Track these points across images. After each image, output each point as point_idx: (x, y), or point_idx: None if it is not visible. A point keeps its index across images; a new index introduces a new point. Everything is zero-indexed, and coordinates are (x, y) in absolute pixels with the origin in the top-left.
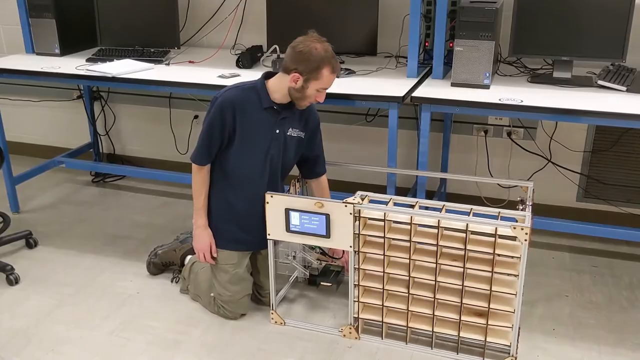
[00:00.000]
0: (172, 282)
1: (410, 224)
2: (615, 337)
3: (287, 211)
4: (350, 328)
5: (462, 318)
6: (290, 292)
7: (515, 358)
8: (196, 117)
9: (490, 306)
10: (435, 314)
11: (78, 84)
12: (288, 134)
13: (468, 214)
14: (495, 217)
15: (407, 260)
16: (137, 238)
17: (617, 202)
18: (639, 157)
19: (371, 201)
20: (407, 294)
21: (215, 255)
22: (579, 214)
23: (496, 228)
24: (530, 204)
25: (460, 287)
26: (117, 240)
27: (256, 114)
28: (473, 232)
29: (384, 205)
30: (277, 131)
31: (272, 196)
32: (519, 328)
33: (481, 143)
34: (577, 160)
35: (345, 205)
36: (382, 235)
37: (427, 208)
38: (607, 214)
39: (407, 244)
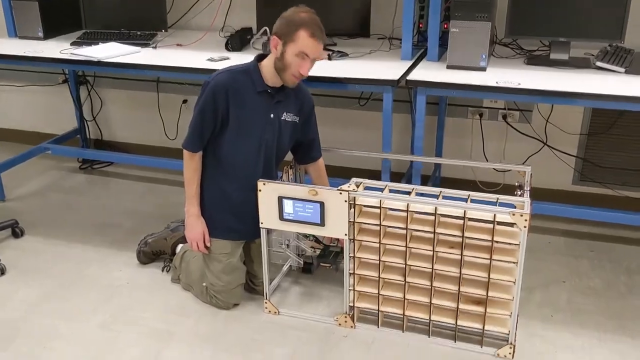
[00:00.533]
0: (163, 271)
1: (406, 211)
2: (614, 323)
3: (280, 199)
4: (345, 317)
5: (460, 306)
6: (284, 281)
7: (514, 346)
8: (185, 101)
9: (489, 294)
10: (432, 302)
11: (63, 68)
12: (282, 118)
13: (466, 200)
14: (493, 204)
15: (404, 248)
16: (127, 226)
17: (613, 185)
18: (636, 140)
19: (366, 188)
20: (403, 282)
21: (208, 244)
22: (574, 197)
23: (495, 215)
24: (529, 189)
25: (458, 274)
26: (105, 229)
27: (250, 98)
28: (471, 219)
29: (380, 193)
30: (272, 116)
31: (264, 184)
32: (517, 315)
33: (476, 126)
34: (573, 143)
35: (340, 193)
36: (378, 223)
37: (423, 195)
38: (603, 197)
39: (404, 231)
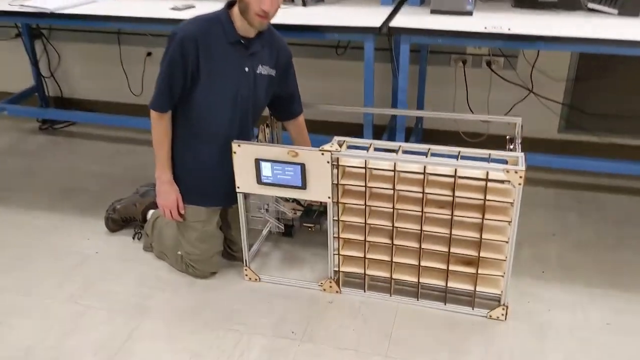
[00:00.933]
0: (134, 239)
1: (393, 171)
2: (605, 278)
3: (258, 162)
4: (330, 282)
5: (450, 267)
6: (264, 245)
7: (507, 307)
8: (149, 54)
9: (480, 254)
10: (421, 264)
11: (13, 21)
12: (258, 72)
13: (456, 157)
14: (485, 160)
15: (391, 210)
16: (93, 191)
17: (599, 133)
18: (624, 84)
19: (350, 147)
20: (390, 245)
21: (182, 212)
22: (560, 145)
23: (487, 173)
24: (520, 141)
25: (448, 235)
26: (70, 194)
27: (222, 49)
28: (461, 177)
29: (365, 152)
30: (246, 69)
31: (239, 145)
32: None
33: (460, 74)
34: (559, 90)
35: (322, 154)
36: (363, 185)
37: (411, 153)
38: (590, 144)
39: (390, 192)
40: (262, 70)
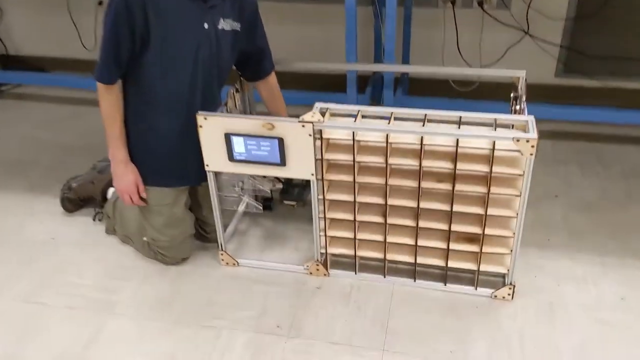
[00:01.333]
0: (94, 220)
1: (385, 143)
2: (617, 243)
3: (228, 136)
4: (317, 264)
5: (451, 246)
6: (242, 222)
7: (514, 286)
8: (100, 3)
9: (485, 231)
10: (418, 243)
11: None
12: (220, 27)
13: (457, 124)
14: (489, 125)
15: (383, 185)
16: (45, 164)
17: (600, 77)
18: (628, 23)
19: (333, 114)
20: (383, 223)
21: (144, 195)
22: (558, 91)
23: (494, 143)
24: (524, 99)
25: (448, 210)
26: (18, 169)
27: (175, 3)
28: (463, 147)
29: (352, 121)
30: (206, 26)
31: (205, 118)
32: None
33: (449, 16)
34: (557, 30)
35: (303, 126)
36: (351, 159)
37: (403, 119)
38: (590, 90)
39: (382, 165)
40: (225, 25)
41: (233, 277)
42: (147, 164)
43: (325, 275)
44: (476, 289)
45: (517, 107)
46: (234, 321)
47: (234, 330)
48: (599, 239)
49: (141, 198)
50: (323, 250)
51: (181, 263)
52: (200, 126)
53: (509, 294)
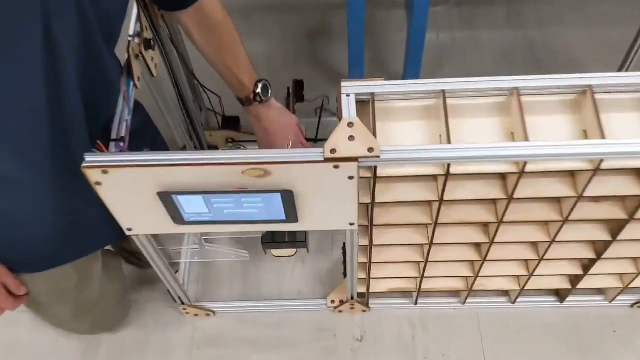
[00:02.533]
0: None
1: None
2: None
3: (168, 197)
4: (351, 303)
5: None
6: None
7: None
8: None
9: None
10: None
11: None
12: None
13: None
14: None
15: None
16: None
17: None
18: None
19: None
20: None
21: (20, 292)
22: None
23: None
24: None
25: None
26: None
27: None
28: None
29: (414, 150)
30: None
31: (105, 171)
32: None
33: None
34: None
35: (336, 167)
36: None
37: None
38: None
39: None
40: None
41: (210, 340)
42: (11, 247)
43: (364, 311)
44: (610, 302)
45: None
46: None
47: None
48: None
49: (17, 297)
50: (361, 291)
51: (119, 329)
52: (98, 184)
53: None
